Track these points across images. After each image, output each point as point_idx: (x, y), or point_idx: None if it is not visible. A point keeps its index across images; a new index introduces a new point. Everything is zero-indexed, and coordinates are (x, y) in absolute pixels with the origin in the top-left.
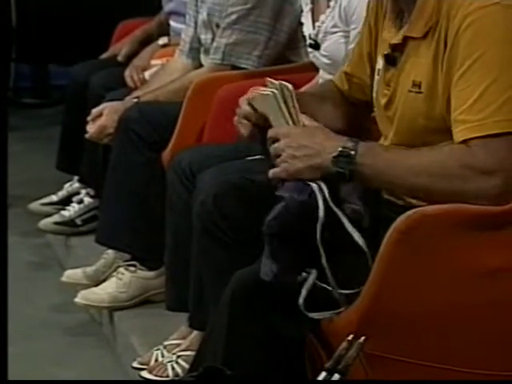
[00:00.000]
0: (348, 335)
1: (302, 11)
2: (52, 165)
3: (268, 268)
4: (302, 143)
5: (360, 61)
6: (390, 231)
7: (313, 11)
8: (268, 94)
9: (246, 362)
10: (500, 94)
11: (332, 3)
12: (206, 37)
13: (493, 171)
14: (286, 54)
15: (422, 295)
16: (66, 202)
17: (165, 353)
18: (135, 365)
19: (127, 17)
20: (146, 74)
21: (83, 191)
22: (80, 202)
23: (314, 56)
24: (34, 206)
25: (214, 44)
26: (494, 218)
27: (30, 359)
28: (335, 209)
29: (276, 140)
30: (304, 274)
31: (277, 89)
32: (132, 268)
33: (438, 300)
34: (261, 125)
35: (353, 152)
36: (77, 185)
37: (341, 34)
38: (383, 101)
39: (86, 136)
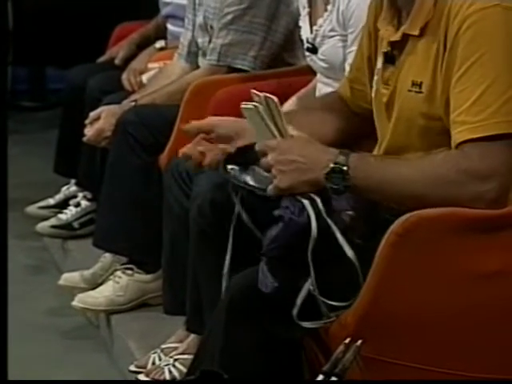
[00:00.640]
0: (345, 338)
1: (299, 14)
2: (49, 168)
3: (268, 281)
4: (291, 158)
5: (361, 65)
6: (388, 234)
7: (310, 15)
8: (250, 108)
9: (244, 366)
10: (499, 95)
11: (330, 7)
12: (203, 40)
13: (489, 175)
14: (283, 55)
15: (420, 298)
16: (63, 205)
17: (162, 356)
18: (132, 368)
19: (124, 20)
20: (144, 78)
21: (80, 194)
22: (77, 205)
23: (311, 60)
24: (31, 209)
25: (211, 45)
26: (491, 221)
27: (26, 363)
28: (329, 221)
29: (265, 154)
30: (302, 284)
31: (261, 102)
32: (129, 271)
33: (435, 303)
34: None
35: (345, 167)
36: (74, 188)
37: (338, 37)
38: (383, 100)
39: (84, 139)
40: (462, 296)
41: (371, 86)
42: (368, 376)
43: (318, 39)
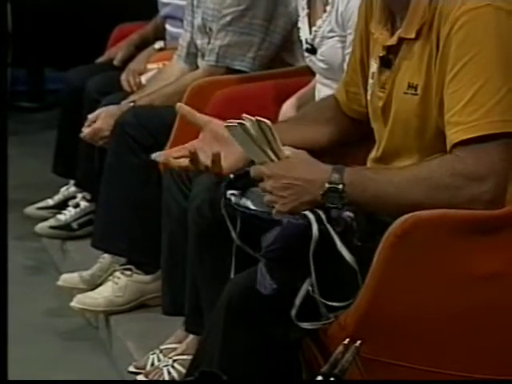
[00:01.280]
0: (344, 339)
1: (297, 14)
2: (48, 169)
3: (266, 282)
4: (286, 182)
5: (355, 68)
6: (386, 235)
7: (309, 16)
8: (235, 126)
9: (242, 367)
10: (492, 94)
11: (328, 8)
12: (202, 41)
13: (484, 176)
14: (282, 55)
15: (419, 299)
16: (62, 206)
17: (161, 357)
18: (131, 369)
19: (123, 21)
20: (143, 79)
21: (79, 195)
22: (76, 206)
23: (310, 60)
24: (30, 210)
25: (209, 46)
26: (489, 222)
27: (25, 364)
28: (329, 227)
29: (261, 179)
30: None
31: (253, 126)
32: (128, 272)
33: (434, 304)
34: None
35: (340, 186)
36: (73, 189)
37: (337, 38)
38: (379, 104)
39: (81, 135)
40: (460, 297)
41: (366, 90)
42: (367, 377)
43: (317, 40)
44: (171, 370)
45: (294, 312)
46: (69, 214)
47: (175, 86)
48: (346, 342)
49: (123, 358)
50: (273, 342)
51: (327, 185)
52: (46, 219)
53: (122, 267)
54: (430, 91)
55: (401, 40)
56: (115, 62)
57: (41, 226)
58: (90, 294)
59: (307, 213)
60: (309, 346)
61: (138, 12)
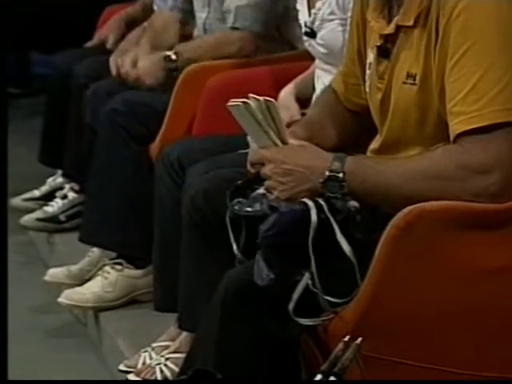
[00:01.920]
0: (344, 336)
1: None
2: (34, 158)
3: (263, 273)
4: (287, 168)
5: (352, 59)
6: (389, 228)
7: None
8: (239, 105)
9: (238, 365)
10: (495, 83)
11: None
12: (202, 14)
13: (490, 168)
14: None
15: (422, 294)
16: (48, 197)
17: (153, 355)
18: (122, 368)
19: (112, 3)
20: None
21: (67, 186)
22: (64, 197)
23: (309, 45)
24: (16, 201)
25: (224, 8)
26: (495, 215)
27: (11, 362)
28: (329, 215)
29: (261, 163)
30: (299, 278)
31: (261, 105)
32: (118, 266)
33: (438, 299)
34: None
35: (341, 174)
36: (60, 179)
37: (338, 21)
38: (379, 95)
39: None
40: (465, 292)
41: (364, 81)
42: (368, 375)
43: (317, 23)
44: (164, 368)
45: (291, 306)
46: (56, 205)
47: (214, 38)
48: (346, 339)
49: (113, 356)
50: (270, 338)
51: (327, 173)
52: (32, 211)
53: (112, 261)
54: (429, 80)
55: (398, 28)
56: (108, 46)
57: (27, 219)
58: (78, 289)
59: (306, 200)
60: (308, 344)
61: None
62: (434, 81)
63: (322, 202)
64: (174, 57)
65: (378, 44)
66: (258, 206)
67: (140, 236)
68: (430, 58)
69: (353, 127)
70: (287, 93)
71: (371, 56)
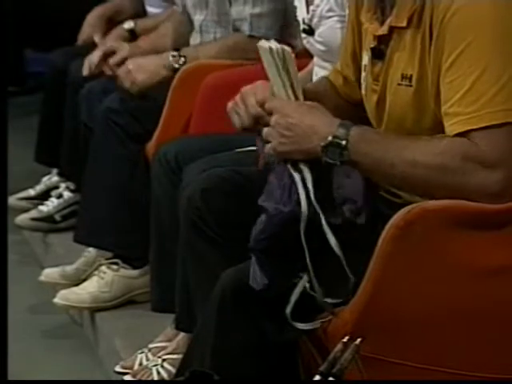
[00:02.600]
0: (343, 337)
1: None
2: (29, 157)
3: (258, 278)
4: (292, 122)
5: (347, 61)
6: (388, 227)
7: None
8: (266, 49)
9: (236, 366)
10: (492, 83)
11: None
12: (199, 17)
13: (495, 165)
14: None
15: (422, 294)
16: (44, 196)
17: (149, 356)
18: (118, 369)
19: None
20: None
21: (63, 185)
22: (59, 196)
23: (308, 42)
24: (11, 200)
25: (234, 13)
26: (495, 215)
27: None
28: (316, 205)
29: (270, 113)
30: (296, 280)
31: (278, 53)
32: (114, 266)
33: (438, 299)
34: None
35: (344, 142)
36: (56, 178)
37: (336, 18)
38: (374, 98)
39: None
40: (465, 292)
41: (359, 83)
42: (367, 376)
43: (315, 20)
44: (160, 369)
45: (289, 310)
46: (51, 205)
47: (217, 45)
48: (345, 339)
49: (109, 357)
50: (268, 339)
51: (330, 138)
52: (27, 210)
53: (108, 261)
54: (424, 81)
55: (392, 29)
56: (97, 40)
57: (22, 218)
58: (74, 289)
59: (295, 174)
60: (306, 344)
61: None
62: (430, 82)
63: (308, 174)
64: (182, 59)
65: (372, 46)
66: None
67: (136, 236)
68: (425, 58)
69: (345, 114)
70: None
71: (366, 58)
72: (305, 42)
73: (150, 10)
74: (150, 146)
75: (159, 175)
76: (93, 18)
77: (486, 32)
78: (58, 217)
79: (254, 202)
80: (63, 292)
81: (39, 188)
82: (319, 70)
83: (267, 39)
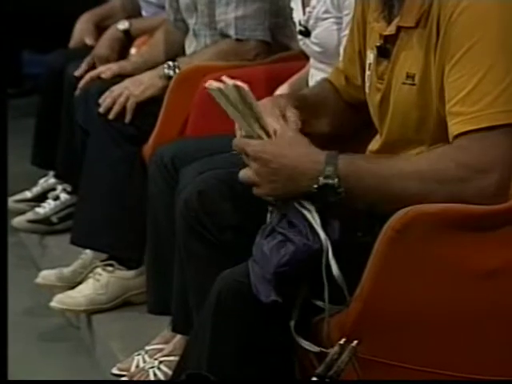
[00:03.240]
0: (340, 339)
1: None
2: (26, 159)
3: (270, 295)
4: (274, 167)
5: (353, 58)
6: (385, 229)
7: None
8: (215, 90)
9: (232, 369)
10: (496, 84)
11: None
12: (191, 21)
13: (490, 168)
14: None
15: (418, 296)
16: (40, 198)
17: (146, 358)
18: (115, 371)
19: (104, 2)
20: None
21: (59, 187)
22: (56, 198)
23: (304, 44)
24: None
25: (220, 20)
26: (491, 217)
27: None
28: (322, 235)
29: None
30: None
31: (230, 90)
32: (110, 268)
33: (434, 301)
34: None
35: (336, 180)
36: (52, 180)
37: (333, 20)
38: (378, 96)
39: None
40: (462, 294)
41: (364, 82)
42: (364, 379)
43: (311, 22)
44: (157, 371)
45: (292, 323)
46: (48, 207)
47: (208, 53)
48: (342, 341)
49: (106, 359)
50: (264, 341)
51: (322, 179)
52: (23, 213)
53: (104, 263)
54: (428, 80)
55: (399, 29)
56: (89, 42)
57: (18, 220)
58: (70, 293)
59: (305, 213)
60: (302, 347)
61: None
62: (434, 80)
63: (318, 221)
64: (177, 70)
65: (378, 44)
66: None
67: (133, 238)
68: (430, 57)
69: (347, 119)
70: (282, 93)
71: (371, 57)
72: (301, 43)
73: (146, 16)
74: (147, 148)
75: (156, 177)
76: (81, 24)
77: (491, 31)
78: (54, 219)
79: (251, 204)
80: (59, 296)
81: (36, 190)
82: (315, 72)
83: (256, 40)
